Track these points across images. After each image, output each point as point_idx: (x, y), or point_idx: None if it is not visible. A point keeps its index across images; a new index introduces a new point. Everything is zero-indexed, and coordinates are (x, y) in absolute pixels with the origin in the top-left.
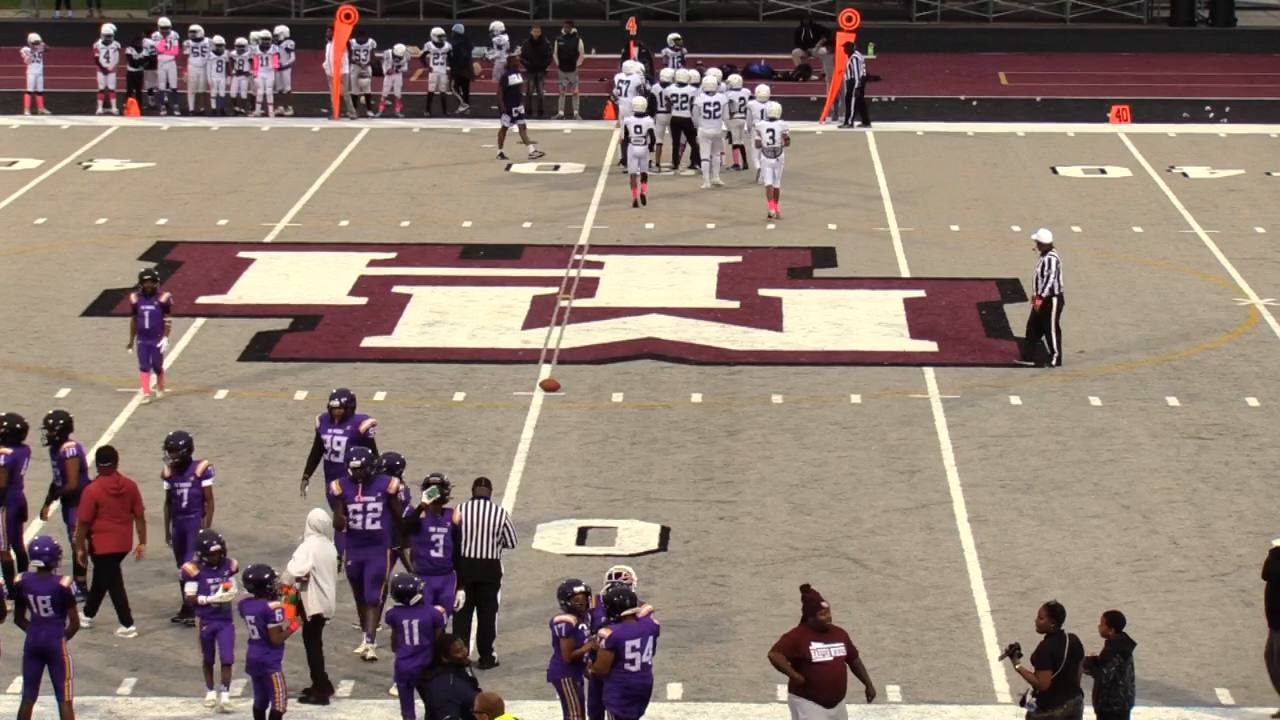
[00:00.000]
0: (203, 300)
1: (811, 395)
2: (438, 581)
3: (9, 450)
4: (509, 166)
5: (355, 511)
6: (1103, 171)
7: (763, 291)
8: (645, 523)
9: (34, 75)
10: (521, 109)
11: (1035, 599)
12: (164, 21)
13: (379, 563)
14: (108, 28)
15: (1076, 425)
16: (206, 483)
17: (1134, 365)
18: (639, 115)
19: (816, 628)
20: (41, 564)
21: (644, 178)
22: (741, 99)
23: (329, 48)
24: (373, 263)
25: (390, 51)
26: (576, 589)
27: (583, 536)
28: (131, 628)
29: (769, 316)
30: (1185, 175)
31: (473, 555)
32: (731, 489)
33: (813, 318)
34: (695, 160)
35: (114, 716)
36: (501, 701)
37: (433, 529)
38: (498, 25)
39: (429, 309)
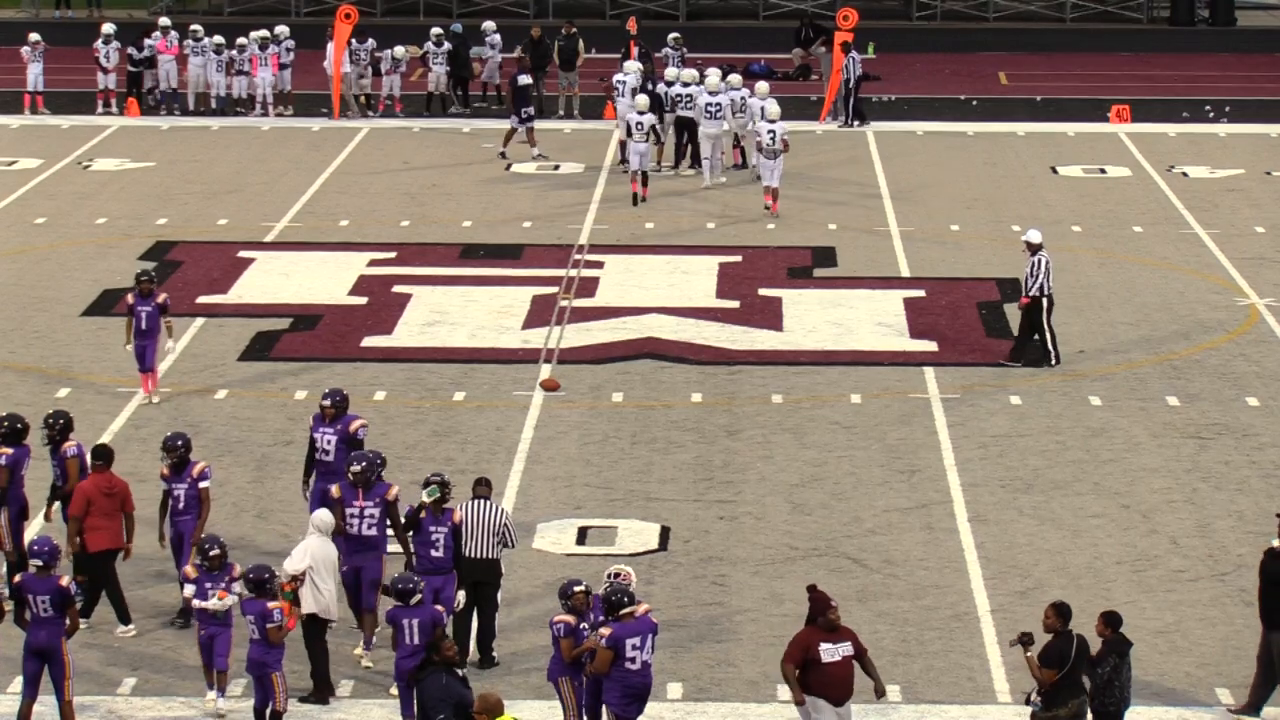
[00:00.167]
0: (203, 300)
1: (811, 395)
2: (438, 581)
3: (10, 450)
4: (509, 166)
5: (352, 516)
6: (1103, 171)
7: (763, 291)
8: (645, 522)
9: (34, 75)
10: (531, 110)
11: (1035, 599)
12: (164, 21)
13: (375, 568)
14: (108, 27)
15: (1076, 425)
16: (203, 484)
17: (1134, 365)
18: (641, 113)
19: (826, 628)
20: (40, 564)
21: (645, 178)
22: (742, 98)
23: (330, 47)
24: (373, 262)
25: (389, 52)
26: (577, 589)
27: (583, 536)
28: (130, 626)
29: (769, 316)
30: (1185, 175)
31: (473, 555)
32: (731, 489)
33: (813, 317)
34: (696, 160)
35: (114, 716)
36: (501, 702)
37: (433, 529)
38: (490, 25)
39: (429, 309)
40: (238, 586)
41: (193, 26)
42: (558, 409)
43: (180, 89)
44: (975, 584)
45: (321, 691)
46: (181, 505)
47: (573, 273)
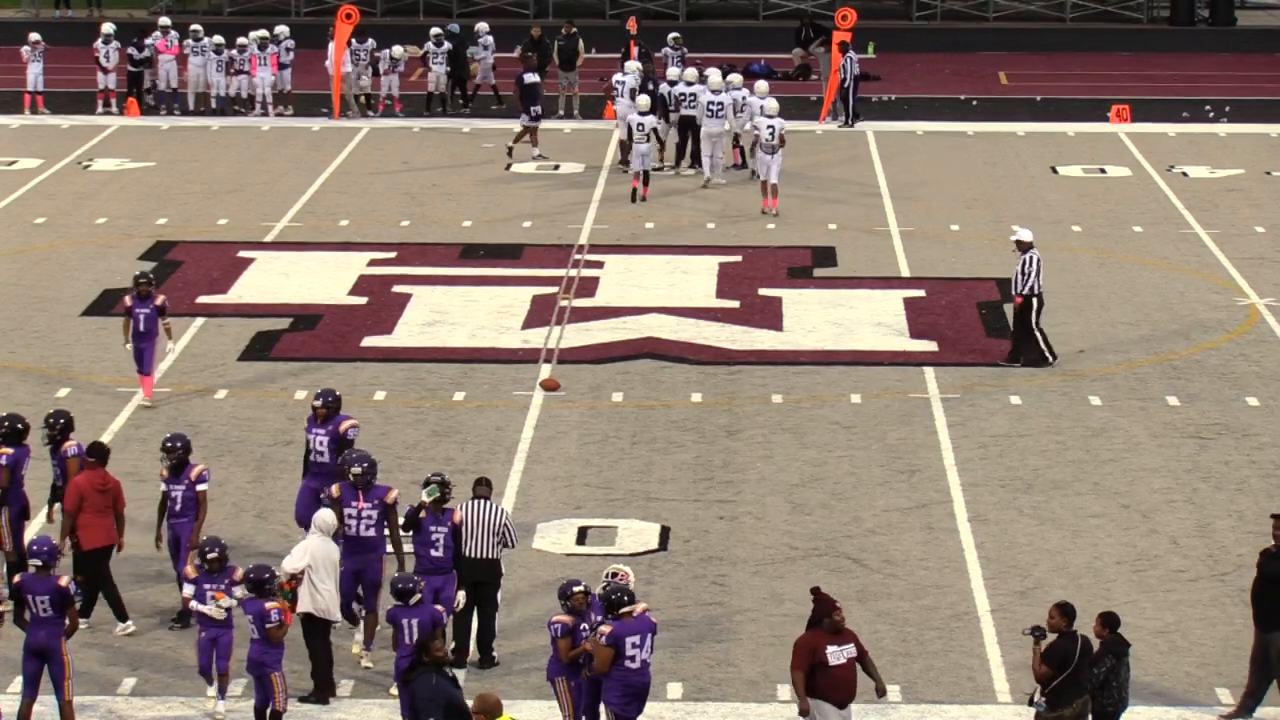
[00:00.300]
0: (203, 300)
1: (811, 395)
2: (438, 581)
3: (10, 450)
4: (509, 166)
5: (350, 517)
6: (1103, 171)
7: (763, 291)
8: (645, 522)
9: (34, 75)
10: (539, 109)
11: (1035, 599)
12: (164, 21)
13: (375, 570)
14: (108, 27)
15: (1076, 425)
16: (201, 487)
17: (1134, 365)
18: (642, 114)
19: (831, 630)
20: (40, 564)
21: (647, 177)
22: (743, 98)
23: (331, 47)
24: (373, 262)
25: (387, 52)
26: (576, 589)
27: (583, 536)
28: (129, 623)
29: (769, 316)
30: (1185, 175)
31: (473, 555)
32: (731, 489)
33: (813, 317)
34: (696, 160)
35: (114, 716)
36: (500, 703)
37: (433, 528)
38: (482, 26)
39: (429, 309)
40: (239, 590)
41: (193, 26)
42: (558, 409)
43: (180, 89)
44: (975, 584)
45: (322, 691)
46: (178, 507)
47: (573, 273)
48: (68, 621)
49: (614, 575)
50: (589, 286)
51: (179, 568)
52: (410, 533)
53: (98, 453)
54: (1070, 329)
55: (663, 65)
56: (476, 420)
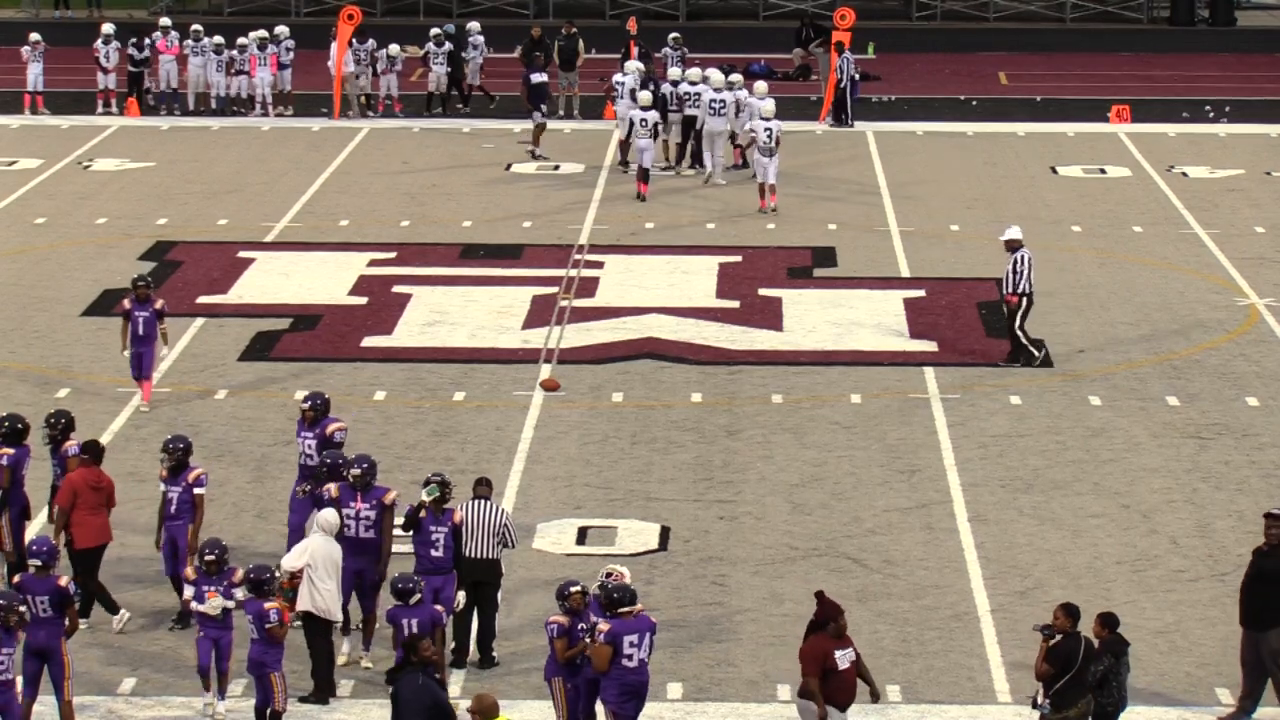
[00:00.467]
0: (203, 300)
1: (811, 395)
2: (438, 581)
3: (10, 450)
4: (509, 166)
5: (349, 518)
6: (1103, 171)
7: (763, 291)
8: (645, 522)
9: (34, 75)
10: (545, 108)
11: (1035, 599)
12: (164, 21)
13: (373, 571)
14: (108, 27)
15: (1076, 425)
16: (198, 490)
17: (1134, 365)
18: (645, 109)
19: (835, 634)
20: (39, 564)
21: (647, 175)
22: (745, 97)
23: (333, 47)
24: (373, 262)
25: (385, 52)
26: (573, 589)
27: (583, 536)
28: (123, 612)
29: (769, 316)
30: (1185, 175)
31: (473, 555)
32: (731, 489)
33: (813, 317)
34: (696, 160)
35: (114, 716)
36: (496, 704)
37: (433, 528)
38: (474, 26)
39: (429, 309)
40: (239, 592)
41: (193, 27)
42: (558, 409)
43: (180, 89)
44: (975, 584)
45: (322, 691)
46: (174, 509)
47: (573, 273)
48: (67, 622)
49: (609, 575)
50: (589, 286)
51: (170, 570)
52: (410, 532)
53: (92, 450)
54: (1070, 329)
55: (663, 65)
56: (476, 420)
